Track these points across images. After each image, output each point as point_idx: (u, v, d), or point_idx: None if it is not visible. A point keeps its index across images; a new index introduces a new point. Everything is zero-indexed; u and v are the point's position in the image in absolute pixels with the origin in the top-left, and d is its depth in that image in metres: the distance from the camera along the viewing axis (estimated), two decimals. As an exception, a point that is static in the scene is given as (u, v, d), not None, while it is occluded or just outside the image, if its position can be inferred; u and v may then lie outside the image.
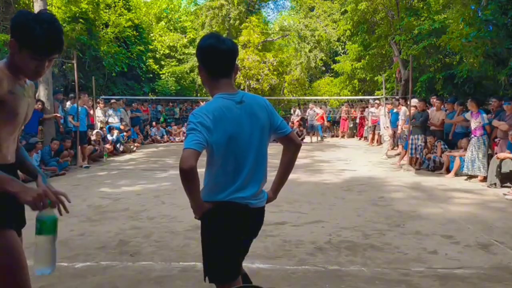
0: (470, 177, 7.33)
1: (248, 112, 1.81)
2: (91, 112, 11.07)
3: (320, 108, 16.91)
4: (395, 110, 10.88)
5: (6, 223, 1.62)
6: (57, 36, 1.65)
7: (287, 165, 1.99)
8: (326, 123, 19.11)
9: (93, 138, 10.07)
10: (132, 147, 12.06)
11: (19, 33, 1.59)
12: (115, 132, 11.45)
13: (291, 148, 1.95)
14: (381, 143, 12.73)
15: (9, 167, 1.69)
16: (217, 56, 1.76)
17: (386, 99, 13.64)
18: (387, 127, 10.64)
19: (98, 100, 12.70)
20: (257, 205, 1.89)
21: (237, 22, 19.06)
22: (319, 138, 15.80)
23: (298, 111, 17.35)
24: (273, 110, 1.94)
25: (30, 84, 1.81)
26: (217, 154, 1.76)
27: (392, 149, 11.47)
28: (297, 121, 16.66)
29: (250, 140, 1.81)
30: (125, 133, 11.99)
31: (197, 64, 1.88)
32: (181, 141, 14.94)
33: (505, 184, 6.51)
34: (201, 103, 17.98)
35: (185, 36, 24.74)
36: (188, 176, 1.64)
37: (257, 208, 1.89)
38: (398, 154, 10.17)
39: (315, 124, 15.42)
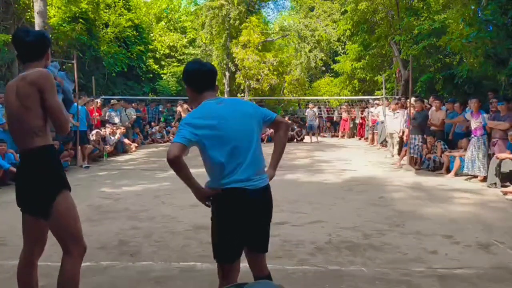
0: (471, 177, 7.33)
1: (230, 107, 2.13)
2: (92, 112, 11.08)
3: (318, 108, 16.89)
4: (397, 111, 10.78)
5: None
6: None
7: (279, 143, 2.29)
8: (326, 124, 19.18)
9: (93, 138, 10.07)
10: (131, 147, 12.02)
11: None
12: (117, 132, 11.43)
13: (282, 127, 2.26)
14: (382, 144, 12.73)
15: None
16: (201, 75, 2.19)
17: (387, 99, 13.64)
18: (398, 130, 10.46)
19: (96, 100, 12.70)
20: (257, 186, 2.08)
21: (237, 22, 19.03)
22: (319, 138, 15.80)
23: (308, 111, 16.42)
24: (255, 105, 2.34)
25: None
26: (208, 145, 2.03)
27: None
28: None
29: (237, 129, 2.07)
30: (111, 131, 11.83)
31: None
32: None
33: (505, 184, 6.50)
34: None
35: (185, 36, 24.74)
36: (173, 164, 1.94)
37: (257, 189, 2.08)
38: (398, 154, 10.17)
39: (314, 124, 15.41)
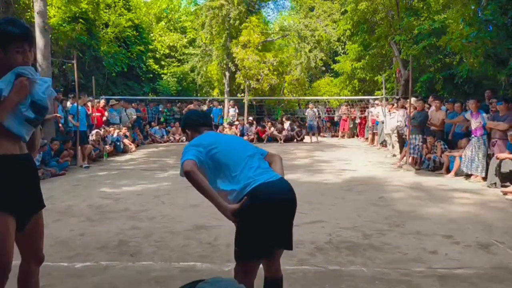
0: (469, 176, 7.33)
1: (226, 135, 2.73)
2: (92, 111, 11.09)
3: (317, 109, 16.92)
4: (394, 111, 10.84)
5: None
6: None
7: (279, 165, 2.43)
8: (326, 124, 19.17)
9: (92, 138, 10.06)
10: (131, 147, 12.03)
11: None
12: (115, 132, 11.44)
13: (276, 157, 2.46)
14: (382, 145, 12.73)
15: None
16: (202, 115, 2.58)
17: (386, 99, 13.64)
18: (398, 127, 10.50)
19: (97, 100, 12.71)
20: (276, 176, 2.20)
21: (237, 22, 19.01)
22: (319, 138, 15.81)
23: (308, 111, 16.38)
24: None
25: None
26: (216, 155, 2.18)
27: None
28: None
29: (236, 143, 2.34)
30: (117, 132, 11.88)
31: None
32: (181, 141, 14.91)
33: (505, 184, 6.50)
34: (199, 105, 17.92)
35: (185, 36, 24.73)
36: (191, 176, 2.00)
37: (278, 179, 2.19)
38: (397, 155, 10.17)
39: (314, 124, 15.43)
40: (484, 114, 7.26)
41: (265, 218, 2.09)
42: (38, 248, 2.19)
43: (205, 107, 16.51)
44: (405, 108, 9.93)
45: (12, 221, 1.95)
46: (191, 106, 14.18)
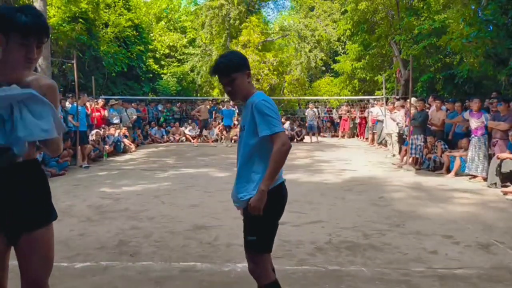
0: (472, 177, 7.33)
1: None
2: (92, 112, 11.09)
3: (316, 109, 16.96)
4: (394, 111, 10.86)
5: None
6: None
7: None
8: (326, 124, 19.19)
9: (92, 138, 10.06)
10: (131, 147, 12.02)
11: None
12: (116, 132, 11.43)
13: None
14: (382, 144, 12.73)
15: None
16: None
17: (387, 99, 13.65)
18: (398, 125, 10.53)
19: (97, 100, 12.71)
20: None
21: (237, 22, 19.05)
22: (319, 138, 15.81)
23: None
24: None
25: None
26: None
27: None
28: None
29: None
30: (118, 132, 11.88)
31: (238, 69, 2.15)
32: (181, 141, 14.91)
33: (505, 184, 6.50)
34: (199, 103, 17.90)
35: (185, 36, 24.75)
36: (287, 152, 2.02)
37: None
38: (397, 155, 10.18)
39: (314, 124, 15.43)
40: (487, 114, 7.26)
41: (281, 212, 2.21)
42: (31, 280, 1.76)
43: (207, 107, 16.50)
44: (405, 107, 9.94)
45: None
46: (202, 107, 14.11)
